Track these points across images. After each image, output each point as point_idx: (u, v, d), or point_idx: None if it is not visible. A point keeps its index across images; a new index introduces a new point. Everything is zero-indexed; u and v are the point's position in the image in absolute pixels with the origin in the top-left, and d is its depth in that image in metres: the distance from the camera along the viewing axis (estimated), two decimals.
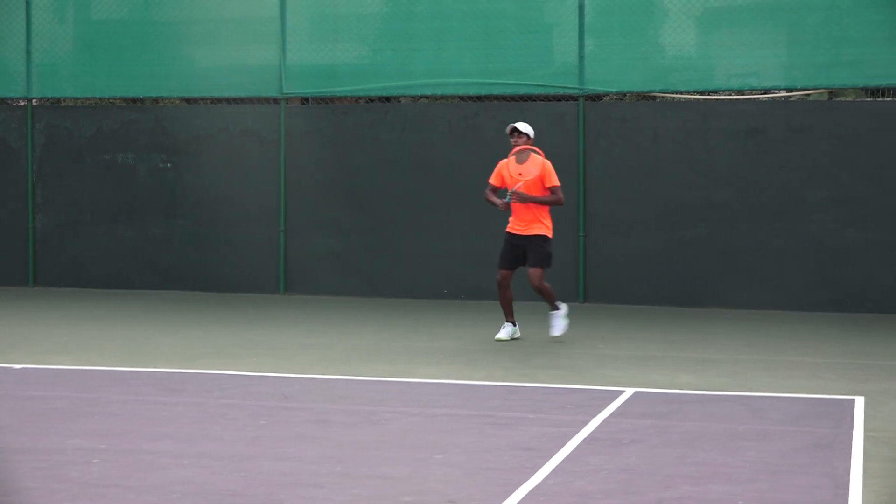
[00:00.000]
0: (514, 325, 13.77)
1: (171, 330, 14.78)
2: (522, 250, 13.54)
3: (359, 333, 14.52)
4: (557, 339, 13.62)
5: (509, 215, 13.63)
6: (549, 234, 13.57)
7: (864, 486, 7.59)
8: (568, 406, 10.17)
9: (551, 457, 8.24)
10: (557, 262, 17.00)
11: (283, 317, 16.12)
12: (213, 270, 18.45)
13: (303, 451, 8.41)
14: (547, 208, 13.56)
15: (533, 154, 13.59)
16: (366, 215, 17.97)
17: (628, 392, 10.68)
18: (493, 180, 13.67)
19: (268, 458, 8.19)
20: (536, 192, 13.44)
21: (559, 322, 13.69)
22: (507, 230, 13.63)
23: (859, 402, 10.31)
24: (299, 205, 18.16)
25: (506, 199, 13.39)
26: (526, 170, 13.50)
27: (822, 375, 11.73)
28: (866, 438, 8.91)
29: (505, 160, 13.69)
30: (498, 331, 13.83)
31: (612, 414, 9.76)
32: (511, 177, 13.50)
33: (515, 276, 13.81)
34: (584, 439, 8.82)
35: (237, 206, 18.35)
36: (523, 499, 7.23)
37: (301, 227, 18.16)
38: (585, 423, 9.37)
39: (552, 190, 13.50)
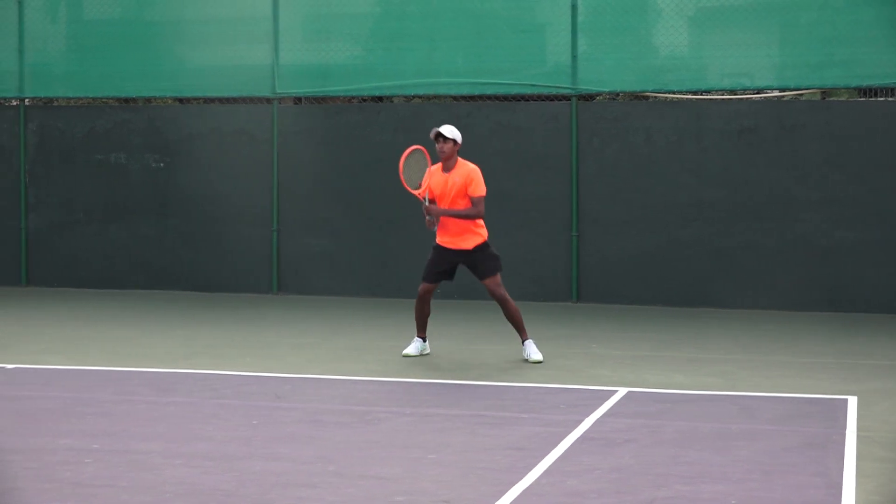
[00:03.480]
0: (425, 342, 12.73)
1: (163, 330, 14.77)
2: (454, 266, 12.52)
3: (351, 333, 14.52)
4: (538, 363, 12.25)
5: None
6: (485, 239, 12.40)
7: (857, 485, 7.59)
8: (561, 406, 10.17)
9: (544, 456, 8.24)
10: (551, 262, 17.04)
11: (275, 317, 16.12)
12: (205, 270, 18.44)
13: (295, 451, 8.41)
14: (479, 224, 12.40)
15: (461, 161, 12.38)
16: (359, 215, 17.96)
17: (621, 392, 10.69)
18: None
19: (260, 458, 8.19)
20: (462, 202, 12.29)
21: (534, 348, 12.38)
22: (437, 242, 12.52)
23: (852, 401, 10.32)
24: (292, 204, 18.15)
25: (427, 217, 12.34)
26: (451, 179, 12.31)
27: (814, 375, 11.75)
28: (859, 438, 8.92)
29: (433, 167, 12.48)
30: (409, 344, 12.82)
31: (604, 414, 9.77)
32: (430, 188, 12.40)
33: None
34: (577, 439, 8.83)
35: (230, 205, 18.34)
36: (516, 498, 7.24)
37: (294, 226, 18.15)
38: (578, 422, 9.37)
39: (474, 201, 12.24)
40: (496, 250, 12.48)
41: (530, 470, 7.87)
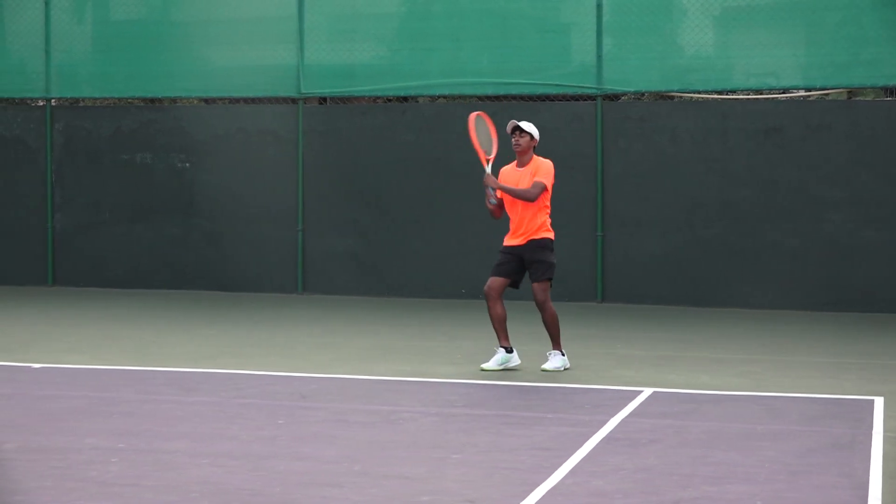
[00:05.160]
0: (510, 352, 11.90)
1: (188, 329, 14.80)
2: (520, 260, 11.89)
3: (376, 333, 14.52)
4: (545, 372, 11.76)
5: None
6: (551, 236, 11.95)
7: (883, 486, 7.56)
8: (586, 406, 10.16)
9: (569, 457, 8.22)
10: (576, 262, 17.00)
11: (300, 316, 16.13)
12: (230, 270, 18.47)
13: (320, 451, 8.41)
14: (542, 217, 11.88)
15: (535, 157, 11.97)
16: (383, 215, 17.97)
17: (646, 392, 10.66)
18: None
19: (285, 458, 8.19)
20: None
21: (557, 362, 11.85)
22: (503, 244, 12.02)
23: (878, 402, 10.27)
24: (317, 205, 18.17)
25: (488, 192, 11.90)
26: (524, 174, 11.91)
27: (840, 375, 11.70)
28: (885, 439, 8.88)
29: (508, 165, 12.12)
30: (493, 355, 12.03)
31: (629, 414, 9.74)
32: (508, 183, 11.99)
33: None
34: (602, 439, 8.81)
35: (255, 205, 18.37)
36: (541, 499, 7.22)
37: (319, 226, 18.17)
38: (603, 422, 9.35)
39: (533, 183, 11.75)
40: (555, 258, 11.98)
41: (555, 470, 7.85)
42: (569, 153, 17.26)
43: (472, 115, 12.29)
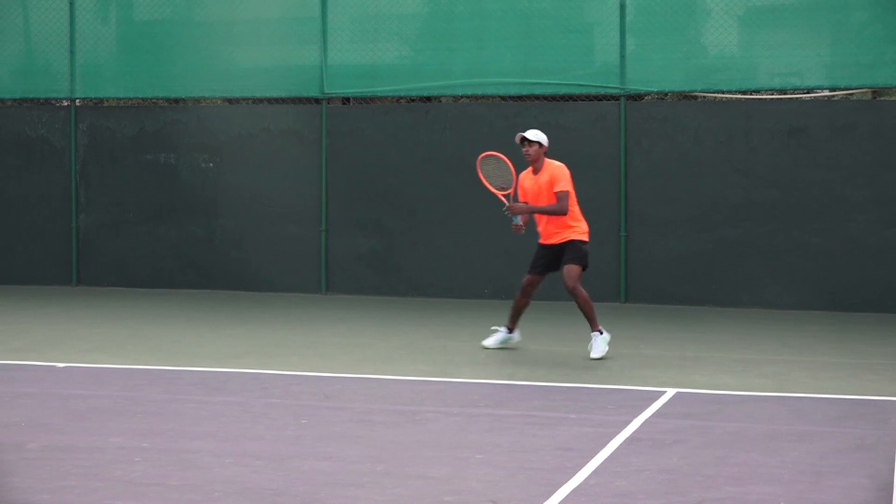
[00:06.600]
0: (510, 332, 12.99)
1: (212, 329, 14.84)
2: (556, 255, 12.57)
3: (399, 333, 14.53)
4: (596, 361, 12.36)
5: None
6: (584, 237, 12.52)
7: None
8: (609, 406, 10.16)
9: (592, 457, 8.23)
10: (600, 262, 16.97)
11: (323, 316, 16.15)
12: (254, 270, 18.51)
13: (344, 451, 8.43)
14: (578, 215, 12.55)
15: (547, 161, 12.56)
16: (406, 215, 17.98)
17: (669, 392, 10.66)
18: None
19: (309, 458, 8.21)
20: (548, 200, 12.48)
21: (600, 344, 12.45)
22: (538, 243, 12.76)
23: None
24: (340, 205, 18.19)
25: (514, 222, 12.52)
26: (539, 180, 12.52)
27: (864, 376, 11.67)
28: None
29: (524, 172, 12.73)
30: (493, 335, 13.12)
31: (653, 414, 9.74)
32: (524, 191, 12.66)
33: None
34: (626, 440, 8.81)
35: (278, 205, 18.41)
36: (565, 499, 7.23)
37: (342, 226, 18.19)
38: (627, 423, 9.35)
39: (557, 196, 12.38)
40: (587, 249, 12.57)
41: (579, 470, 7.86)
42: (592, 153, 17.25)
43: (478, 160, 12.80)
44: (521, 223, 12.56)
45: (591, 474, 7.78)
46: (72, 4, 18.96)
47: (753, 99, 17.98)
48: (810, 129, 16.68)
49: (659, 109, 17.79)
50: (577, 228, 12.55)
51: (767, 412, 9.97)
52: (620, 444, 8.65)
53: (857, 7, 16.54)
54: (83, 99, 19.34)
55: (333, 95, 18.35)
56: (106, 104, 20.00)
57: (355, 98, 18.88)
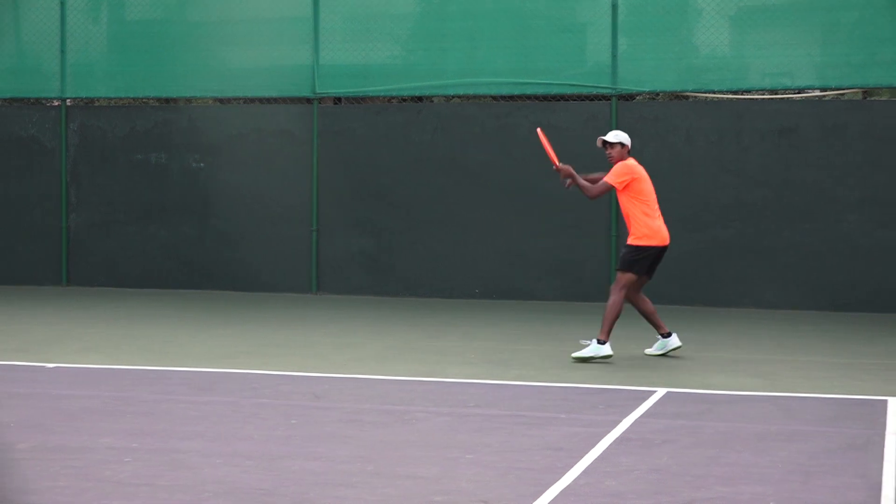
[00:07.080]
0: (668, 336, 12.70)
1: (202, 329, 14.83)
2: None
3: (390, 333, 14.53)
4: (575, 361, 12.32)
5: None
6: (636, 241, 12.39)
7: None
8: (599, 406, 10.15)
9: (582, 457, 8.22)
10: (590, 262, 17.00)
11: (314, 316, 16.14)
12: (245, 270, 18.50)
13: (334, 451, 8.42)
14: (640, 218, 12.36)
15: (621, 162, 12.55)
16: (398, 215, 17.98)
17: (660, 392, 10.65)
18: None
19: (299, 458, 8.20)
20: (624, 197, 12.47)
21: (590, 350, 12.34)
22: None
23: (892, 402, 10.26)
24: (332, 204, 18.19)
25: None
26: None
27: (854, 376, 11.68)
28: None
29: None
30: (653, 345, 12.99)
31: (643, 414, 9.74)
32: None
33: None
34: (616, 439, 8.80)
35: (270, 205, 18.40)
36: (554, 499, 7.22)
37: (333, 226, 18.18)
38: (616, 423, 9.35)
39: (600, 183, 12.56)
40: (637, 256, 12.41)
41: (568, 470, 7.86)
42: (583, 153, 17.23)
43: (539, 130, 12.96)
44: (568, 184, 12.64)
45: (580, 474, 7.78)
46: (63, 4, 18.95)
47: (744, 99, 18.00)
48: (801, 130, 16.70)
49: (650, 109, 17.80)
50: (634, 233, 12.45)
51: (758, 412, 9.97)
52: (610, 444, 8.65)
53: (847, 7, 16.56)
54: (74, 99, 19.33)
55: (325, 95, 18.34)
56: (97, 104, 19.98)
57: (347, 98, 18.88)
